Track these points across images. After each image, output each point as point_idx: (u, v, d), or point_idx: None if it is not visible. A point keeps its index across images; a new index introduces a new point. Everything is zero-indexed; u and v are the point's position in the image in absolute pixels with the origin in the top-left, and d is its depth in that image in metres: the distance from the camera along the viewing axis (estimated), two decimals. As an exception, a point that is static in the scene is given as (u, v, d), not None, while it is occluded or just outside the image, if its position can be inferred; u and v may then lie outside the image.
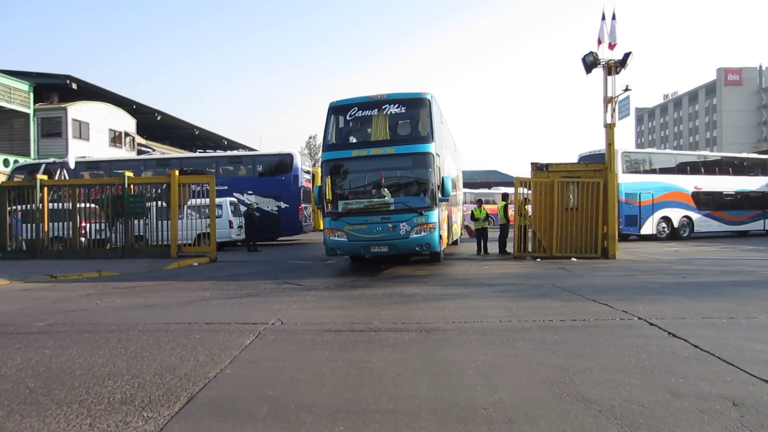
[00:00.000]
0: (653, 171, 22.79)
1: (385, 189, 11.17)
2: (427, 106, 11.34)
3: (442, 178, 11.13)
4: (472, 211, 16.52)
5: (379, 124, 11.34)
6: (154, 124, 40.27)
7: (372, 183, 11.42)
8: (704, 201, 22.96)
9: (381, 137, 11.28)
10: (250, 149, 40.98)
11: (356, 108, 11.60)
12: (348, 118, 11.80)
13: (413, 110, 11.59)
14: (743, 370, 4.21)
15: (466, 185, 30.57)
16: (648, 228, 21.53)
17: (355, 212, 10.95)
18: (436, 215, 10.88)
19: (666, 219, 22.09)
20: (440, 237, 11.26)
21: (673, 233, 22.23)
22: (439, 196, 10.98)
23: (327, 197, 11.25)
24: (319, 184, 11.95)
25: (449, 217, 14.28)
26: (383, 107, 11.36)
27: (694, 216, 22.61)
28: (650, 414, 3.40)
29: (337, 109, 11.77)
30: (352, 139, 11.85)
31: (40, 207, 16.11)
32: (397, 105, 11.38)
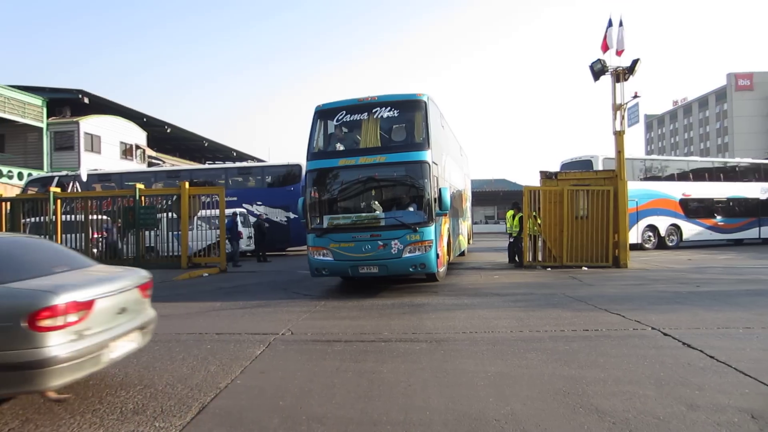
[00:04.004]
0: (638, 178, 21.91)
1: (376, 202, 10.05)
2: (423, 109, 10.12)
3: (440, 189, 10.00)
4: (519, 215, 15.17)
5: (369, 129, 10.24)
6: (164, 137, 40.64)
7: (361, 195, 10.30)
8: (693, 208, 22.33)
9: (371, 144, 10.14)
10: (259, 160, 41.19)
11: (344, 111, 10.43)
12: (335, 122, 10.62)
13: (407, 114, 10.43)
14: (761, 381, 4.15)
15: (475, 195, 30.41)
16: (632, 237, 20.67)
17: (342, 228, 9.82)
18: (433, 232, 9.72)
19: (652, 227, 21.50)
20: (437, 256, 10.02)
21: (660, 242, 21.73)
22: (437, 209, 9.82)
23: (311, 211, 10.14)
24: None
25: (453, 230, 13.48)
26: (374, 110, 10.22)
27: (683, 224, 22.00)
28: (666, 427, 3.35)
29: (323, 113, 10.63)
30: (340, 147, 10.60)
31: (54, 219, 16.28)
32: (389, 108, 10.24)
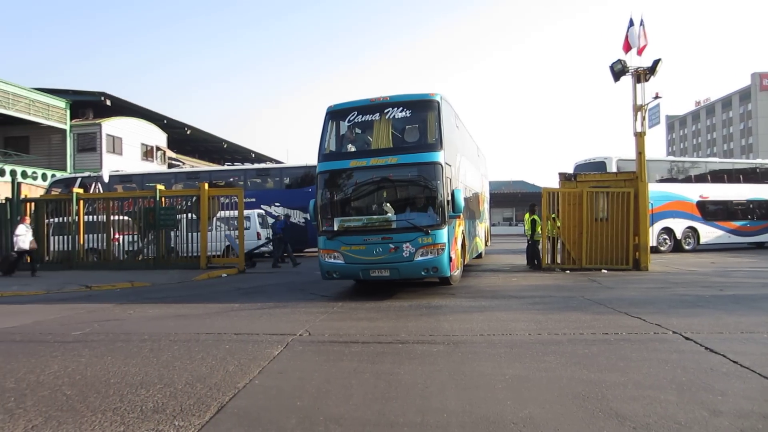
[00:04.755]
0: (654, 179, 21.13)
1: (387, 204, 9.90)
2: (436, 109, 9.94)
3: (453, 190, 9.84)
4: (533, 218, 15.29)
5: (380, 130, 10.08)
6: (183, 139, 41.21)
7: (372, 197, 10.14)
8: (711, 211, 21.90)
9: (383, 145, 9.99)
10: (277, 162, 41.48)
11: (356, 112, 10.30)
12: (347, 123, 10.51)
13: (419, 114, 10.24)
14: (786, 386, 4.06)
15: (493, 196, 30.20)
16: None
17: (353, 231, 9.69)
18: (445, 234, 9.54)
19: (667, 230, 21.12)
20: (450, 259, 9.84)
21: (676, 245, 21.33)
22: (450, 212, 9.66)
23: (322, 213, 10.08)
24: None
25: (468, 232, 13.29)
26: (386, 111, 10.06)
27: (700, 227, 21.58)
28: None
29: (335, 114, 10.52)
30: (351, 148, 10.52)
31: (76, 219, 16.59)
32: (401, 108, 10.07)
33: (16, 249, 14.70)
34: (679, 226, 21.31)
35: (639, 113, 13.90)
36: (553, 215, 14.35)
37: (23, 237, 14.58)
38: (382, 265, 9.52)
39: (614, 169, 19.72)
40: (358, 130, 10.62)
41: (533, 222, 15.26)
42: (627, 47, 14.08)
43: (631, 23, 14.03)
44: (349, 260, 9.65)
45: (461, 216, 10.94)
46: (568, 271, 13.78)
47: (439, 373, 4.71)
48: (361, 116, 10.28)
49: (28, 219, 15.58)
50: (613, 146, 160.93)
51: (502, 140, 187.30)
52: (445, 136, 9.92)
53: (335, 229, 9.83)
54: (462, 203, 9.99)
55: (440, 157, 9.63)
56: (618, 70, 13.83)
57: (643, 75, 13.81)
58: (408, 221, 9.57)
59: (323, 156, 10.29)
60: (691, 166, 23.99)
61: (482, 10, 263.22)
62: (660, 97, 13.86)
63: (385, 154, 9.86)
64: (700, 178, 22.76)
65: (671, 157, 32.39)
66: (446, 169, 9.73)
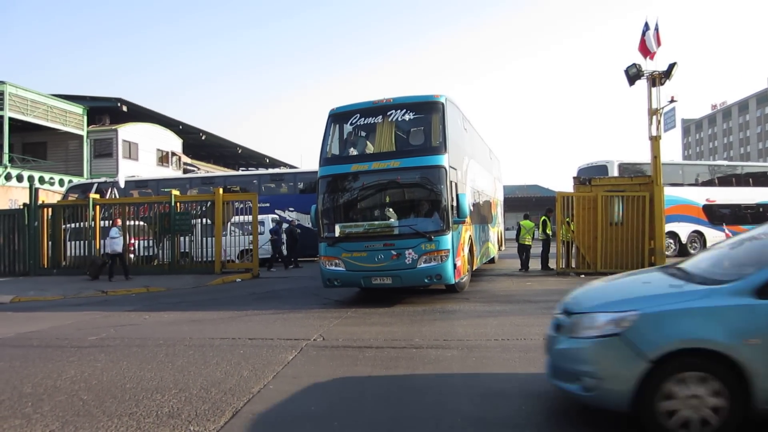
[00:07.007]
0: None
1: (390, 209, 9.57)
2: (440, 111, 9.64)
3: (458, 195, 9.47)
4: (519, 224, 15.84)
5: (383, 133, 9.80)
6: (198, 144, 41.51)
7: (374, 202, 9.86)
8: (719, 215, 21.46)
9: (385, 148, 9.70)
10: (291, 167, 41.69)
11: (358, 115, 10.06)
12: (350, 126, 10.29)
13: (424, 116, 9.94)
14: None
15: (507, 201, 29.99)
16: None
17: (354, 237, 9.34)
18: (450, 240, 9.18)
19: (672, 234, 20.48)
20: (455, 266, 9.45)
21: (682, 249, 20.89)
22: (454, 217, 9.32)
23: (323, 219, 9.77)
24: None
25: (478, 237, 13.01)
26: (389, 113, 9.77)
27: (707, 231, 21.14)
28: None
29: (337, 117, 10.26)
30: (353, 151, 10.23)
31: (93, 224, 16.78)
32: (404, 111, 9.79)
33: (108, 251, 14.78)
34: (684, 230, 20.97)
35: (654, 117, 13.75)
36: (567, 219, 14.26)
37: (118, 240, 14.69)
38: (384, 272, 9.17)
39: (615, 173, 19.68)
40: (360, 133, 10.40)
41: (519, 227, 15.73)
42: (643, 50, 13.96)
43: (647, 27, 13.91)
44: (350, 267, 9.35)
45: (468, 221, 10.66)
46: (582, 276, 13.64)
47: (452, 378, 4.69)
48: (363, 119, 10.05)
49: (119, 221, 15.71)
50: (627, 150, 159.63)
51: (517, 144, 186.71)
52: (450, 138, 9.61)
53: (336, 235, 9.48)
54: (467, 208, 9.74)
55: (444, 160, 9.31)
56: (633, 74, 13.69)
57: (659, 79, 13.66)
58: (410, 227, 9.20)
59: (325, 160, 10.05)
60: (697, 170, 23.71)
61: (504, 19, 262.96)
62: (675, 101, 13.70)
63: (387, 157, 9.57)
64: (707, 182, 22.49)
65: (677, 160, 31.96)
66: (451, 172, 9.41)
